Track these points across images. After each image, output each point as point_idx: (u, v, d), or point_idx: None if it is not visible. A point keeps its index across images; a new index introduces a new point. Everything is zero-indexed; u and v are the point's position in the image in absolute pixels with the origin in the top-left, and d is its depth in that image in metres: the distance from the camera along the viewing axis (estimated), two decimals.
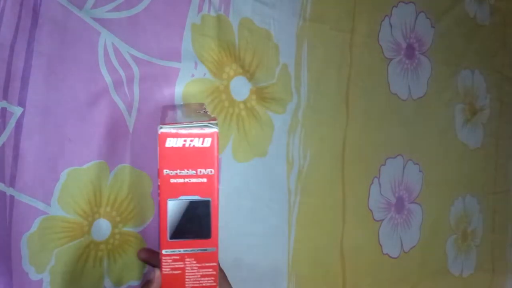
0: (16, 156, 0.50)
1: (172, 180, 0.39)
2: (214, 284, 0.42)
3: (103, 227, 0.56)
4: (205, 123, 0.39)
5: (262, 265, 0.68)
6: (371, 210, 0.81)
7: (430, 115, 0.90)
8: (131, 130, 0.57)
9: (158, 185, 0.40)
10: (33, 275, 0.51)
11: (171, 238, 0.40)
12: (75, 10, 0.53)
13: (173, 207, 0.40)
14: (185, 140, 0.39)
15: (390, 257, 0.84)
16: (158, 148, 0.39)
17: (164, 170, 0.39)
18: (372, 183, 0.81)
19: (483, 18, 0.99)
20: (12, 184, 0.50)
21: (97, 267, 0.55)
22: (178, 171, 0.39)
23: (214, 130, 0.39)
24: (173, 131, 0.39)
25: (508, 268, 1.07)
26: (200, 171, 0.40)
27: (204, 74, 0.63)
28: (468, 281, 0.98)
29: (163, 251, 0.40)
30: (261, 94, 0.68)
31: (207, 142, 0.39)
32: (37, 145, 0.51)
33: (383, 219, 0.83)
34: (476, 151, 0.99)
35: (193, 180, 0.40)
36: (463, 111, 0.96)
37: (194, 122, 0.39)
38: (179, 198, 0.40)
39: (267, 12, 0.68)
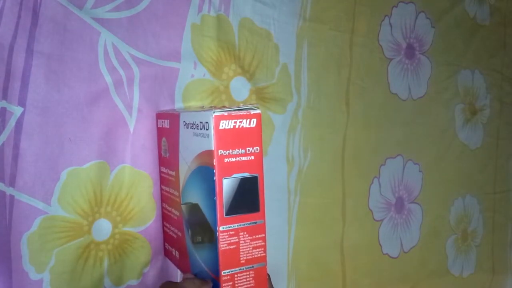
0: (16, 156, 0.50)
1: (225, 160, 0.43)
2: (264, 254, 0.46)
3: (104, 227, 0.56)
4: (250, 106, 0.43)
5: None
6: (371, 210, 0.81)
7: (430, 115, 0.90)
8: (131, 130, 0.57)
9: (212, 165, 0.42)
10: (33, 275, 0.51)
11: (226, 214, 0.43)
12: (75, 10, 0.53)
13: (227, 184, 0.43)
14: (235, 122, 0.43)
15: (390, 257, 0.84)
16: (212, 132, 0.42)
17: (219, 151, 0.42)
18: (372, 183, 0.81)
19: (483, 18, 0.99)
20: (12, 183, 0.50)
21: (97, 267, 0.55)
22: (230, 150, 0.43)
23: (258, 111, 0.44)
24: (226, 113, 0.42)
25: (508, 268, 1.07)
26: (248, 149, 0.44)
27: (204, 75, 0.63)
28: (468, 281, 0.98)
29: (221, 228, 0.43)
30: (261, 94, 0.68)
31: (253, 123, 0.43)
32: (37, 145, 0.51)
33: (383, 219, 0.83)
34: (476, 151, 0.99)
35: (243, 158, 0.43)
36: (463, 111, 0.96)
37: (240, 106, 0.43)
38: (232, 176, 0.43)
39: (267, 12, 0.68)
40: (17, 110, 0.50)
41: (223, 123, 0.42)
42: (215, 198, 0.43)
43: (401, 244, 0.86)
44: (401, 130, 0.85)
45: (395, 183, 0.85)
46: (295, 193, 0.72)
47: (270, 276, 0.52)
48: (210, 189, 0.43)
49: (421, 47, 0.88)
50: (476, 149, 0.99)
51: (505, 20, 1.03)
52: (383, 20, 0.82)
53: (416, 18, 0.87)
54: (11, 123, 0.50)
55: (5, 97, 0.49)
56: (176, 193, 0.53)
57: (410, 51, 0.86)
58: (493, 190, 1.03)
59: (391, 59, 0.83)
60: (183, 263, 0.53)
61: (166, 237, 0.59)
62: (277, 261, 0.70)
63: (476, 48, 0.97)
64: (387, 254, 0.84)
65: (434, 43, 0.90)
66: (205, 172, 0.44)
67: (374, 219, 0.81)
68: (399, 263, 0.85)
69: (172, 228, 0.56)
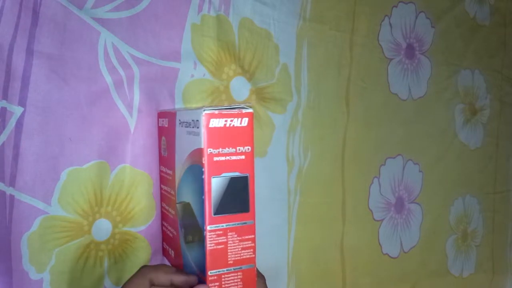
0: (16, 156, 0.50)
1: (215, 158, 0.42)
2: (253, 255, 0.45)
3: (104, 227, 0.56)
4: (242, 105, 0.43)
5: (262, 264, 0.67)
6: (371, 210, 0.81)
7: (430, 115, 0.90)
8: (132, 130, 0.57)
9: (202, 164, 0.42)
10: (33, 275, 0.51)
11: (215, 214, 0.43)
12: (75, 10, 0.53)
13: (216, 184, 0.43)
14: (226, 120, 0.42)
15: (390, 257, 0.84)
16: (202, 130, 0.42)
17: (209, 149, 0.42)
18: (372, 183, 0.81)
19: (483, 18, 0.99)
20: (12, 183, 0.50)
21: (97, 267, 0.55)
22: (220, 149, 0.43)
23: (250, 111, 0.43)
24: (216, 112, 0.42)
25: (508, 268, 1.07)
26: (239, 149, 0.43)
27: (204, 75, 0.63)
28: (468, 281, 0.98)
29: (208, 227, 0.43)
30: (261, 94, 0.68)
31: (245, 122, 0.43)
32: (37, 145, 0.51)
33: (383, 219, 0.83)
34: (476, 151, 0.99)
35: (233, 157, 0.43)
36: (463, 111, 0.96)
37: (232, 105, 0.43)
38: (221, 175, 0.43)
39: (267, 12, 0.68)
40: (18, 110, 0.50)
41: (213, 121, 0.42)
42: (203, 197, 0.42)
43: (401, 244, 0.86)
44: (401, 130, 0.85)
45: (395, 183, 0.85)
46: (295, 193, 0.72)
47: (266, 278, 0.52)
48: (200, 188, 0.43)
49: (421, 47, 0.88)
50: (476, 149, 0.99)
51: (505, 20, 1.03)
52: (383, 20, 0.82)
53: (416, 18, 0.87)
54: (12, 123, 0.50)
55: (5, 97, 0.49)
56: (172, 192, 0.53)
57: (410, 51, 0.86)
58: (493, 190, 1.03)
59: (391, 59, 0.83)
60: (177, 262, 0.53)
61: (164, 237, 0.59)
62: (277, 261, 0.70)
63: (476, 48, 0.97)
64: (387, 254, 0.84)
65: (434, 43, 0.90)
66: (195, 171, 0.44)
67: (374, 219, 0.81)
68: (399, 263, 0.85)
69: (169, 227, 0.56)
